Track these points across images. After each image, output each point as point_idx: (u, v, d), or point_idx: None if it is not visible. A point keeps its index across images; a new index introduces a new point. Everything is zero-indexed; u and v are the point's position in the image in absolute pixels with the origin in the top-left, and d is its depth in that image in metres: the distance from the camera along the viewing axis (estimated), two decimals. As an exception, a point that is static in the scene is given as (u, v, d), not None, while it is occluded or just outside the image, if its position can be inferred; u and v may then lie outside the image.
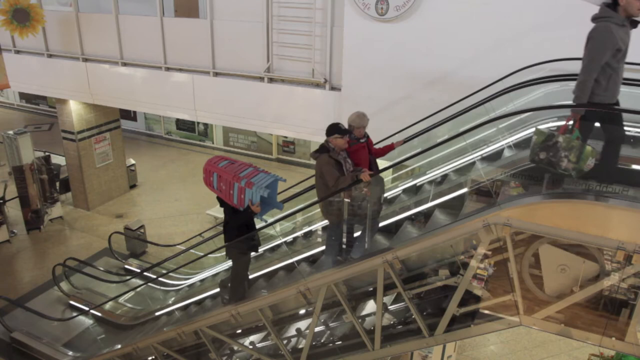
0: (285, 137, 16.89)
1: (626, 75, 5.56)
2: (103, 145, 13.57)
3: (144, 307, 9.34)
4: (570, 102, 5.29)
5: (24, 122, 21.33)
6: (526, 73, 5.97)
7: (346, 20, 7.50)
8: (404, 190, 6.74)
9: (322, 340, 5.94)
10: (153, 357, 7.29)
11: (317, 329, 5.69)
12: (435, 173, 6.43)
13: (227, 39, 9.23)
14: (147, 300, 9.41)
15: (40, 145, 16.09)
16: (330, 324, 6.11)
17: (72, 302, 9.67)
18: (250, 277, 6.45)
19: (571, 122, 4.07)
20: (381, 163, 5.70)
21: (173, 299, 8.86)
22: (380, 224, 5.68)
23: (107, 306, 9.30)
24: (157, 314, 8.39)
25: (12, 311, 9.34)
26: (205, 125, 18.83)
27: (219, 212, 12.52)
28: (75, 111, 12.56)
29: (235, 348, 6.68)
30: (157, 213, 13.55)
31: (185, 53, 9.75)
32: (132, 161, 15.08)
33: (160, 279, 9.23)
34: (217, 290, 7.51)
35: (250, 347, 6.32)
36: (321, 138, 8.67)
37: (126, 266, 10.84)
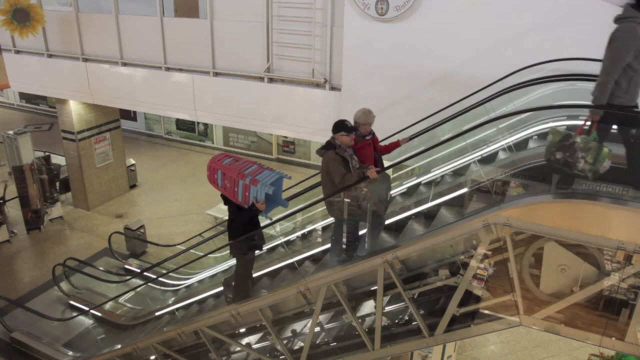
0: (285, 137, 16.89)
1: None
2: (103, 145, 13.57)
3: (144, 307, 9.34)
4: (570, 103, 5.31)
5: (24, 122, 21.33)
6: (526, 73, 5.97)
7: (346, 20, 7.50)
8: (407, 190, 6.72)
9: (322, 340, 5.93)
10: (153, 357, 7.29)
11: (317, 329, 5.69)
12: (434, 173, 6.43)
13: (227, 39, 9.23)
14: (147, 300, 9.41)
15: (40, 145, 16.09)
16: (331, 324, 6.11)
17: (72, 302, 9.67)
18: (254, 275, 6.39)
19: (589, 123, 4.03)
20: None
21: (173, 299, 8.86)
22: (386, 222, 5.63)
23: (107, 306, 9.30)
24: (157, 314, 8.38)
25: (12, 311, 9.34)
26: (205, 125, 18.83)
27: (219, 212, 12.52)
28: (75, 111, 12.56)
29: (236, 348, 6.67)
30: (157, 213, 13.55)
31: (185, 53, 9.75)
32: (132, 161, 15.08)
33: (160, 279, 9.22)
34: (215, 290, 7.54)
35: (250, 347, 6.31)
36: (321, 138, 8.75)
37: (126, 266, 10.84)
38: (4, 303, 9.36)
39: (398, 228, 5.65)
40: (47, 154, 13.32)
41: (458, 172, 6.10)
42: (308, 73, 8.51)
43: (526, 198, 4.10)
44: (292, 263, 6.33)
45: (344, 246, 5.38)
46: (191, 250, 8.78)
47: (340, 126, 5.00)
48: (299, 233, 7.40)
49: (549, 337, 8.70)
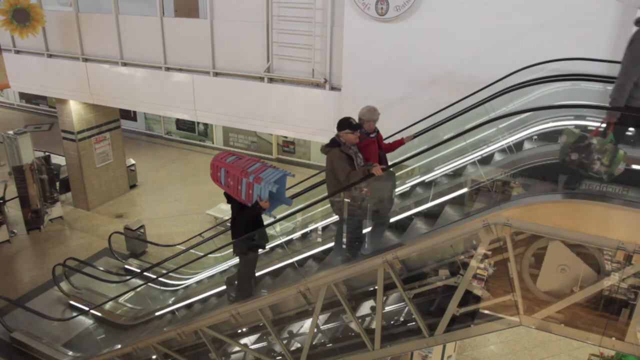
0: (285, 137, 16.90)
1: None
2: (103, 145, 13.57)
3: (144, 307, 9.34)
4: (570, 103, 5.31)
5: (24, 122, 21.33)
6: (526, 73, 5.97)
7: (346, 20, 7.50)
8: (409, 189, 6.70)
9: (322, 340, 5.93)
10: (153, 357, 7.29)
11: (317, 329, 5.69)
12: (435, 173, 6.42)
13: (227, 39, 9.23)
14: (148, 300, 9.41)
15: (40, 145, 16.09)
16: (331, 324, 6.11)
17: (72, 302, 9.67)
18: (257, 274, 6.33)
19: (604, 125, 4.02)
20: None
21: (173, 299, 8.86)
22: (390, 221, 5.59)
23: (107, 306, 9.30)
24: (157, 314, 8.38)
25: (12, 311, 9.34)
26: (205, 125, 18.83)
27: (218, 212, 12.53)
28: (75, 111, 12.56)
29: (236, 348, 6.67)
30: (157, 213, 13.55)
31: (185, 53, 9.75)
32: (132, 161, 15.08)
33: (160, 279, 9.22)
34: (214, 291, 7.53)
35: (250, 347, 6.31)
36: (321, 138, 8.76)
37: (126, 266, 10.84)
38: (4, 303, 9.36)
39: (401, 227, 5.64)
40: (47, 154, 13.32)
41: (458, 172, 6.10)
42: (308, 73, 8.51)
43: (526, 198, 4.10)
44: (297, 261, 6.30)
45: (348, 243, 5.32)
46: (191, 250, 8.78)
47: (345, 124, 4.97)
48: (302, 232, 7.36)
49: (549, 337, 8.70)
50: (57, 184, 13.32)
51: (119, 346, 7.53)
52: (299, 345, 6.12)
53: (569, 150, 3.92)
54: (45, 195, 12.60)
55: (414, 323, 5.09)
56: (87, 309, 9.31)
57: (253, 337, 6.50)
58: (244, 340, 6.43)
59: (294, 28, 8.40)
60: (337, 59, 8.07)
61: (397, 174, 7.31)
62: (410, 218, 5.67)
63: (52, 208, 12.84)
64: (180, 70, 9.87)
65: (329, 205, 5.78)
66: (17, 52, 12.06)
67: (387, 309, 5.64)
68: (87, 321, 9.29)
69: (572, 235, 3.80)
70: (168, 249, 10.39)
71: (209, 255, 7.98)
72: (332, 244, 6.08)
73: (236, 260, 8.07)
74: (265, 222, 5.62)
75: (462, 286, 4.37)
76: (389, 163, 5.39)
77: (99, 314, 9.26)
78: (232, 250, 5.76)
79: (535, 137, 5.60)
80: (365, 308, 5.86)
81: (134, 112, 20.13)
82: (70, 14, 10.94)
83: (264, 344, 6.50)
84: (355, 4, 7.24)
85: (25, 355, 8.50)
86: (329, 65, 8.23)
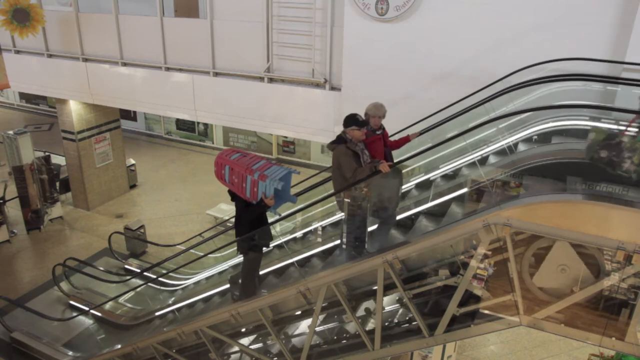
0: (285, 137, 16.90)
1: (626, 75, 5.60)
2: (103, 145, 13.57)
3: (144, 307, 9.34)
4: (570, 103, 5.30)
5: (24, 122, 21.34)
6: (526, 73, 5.97)
7: (346, 20, 7.50)
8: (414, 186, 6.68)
9: (322, 340, 5.93)
10: (153, 357, 7.29)
11: (317, 329, 5.68)
12: (440, 171, 6.39)
13: (227, 39, 9.23)
14: (148, 300, 9.42)
15: (40, 145, 16.09)
16: (330, 324, 6.11)
17: (72, 302, 9.67)
18: (260, 273, 6.26)
19: (635, 124, 3.99)
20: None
21: (173, 299, 8.86)
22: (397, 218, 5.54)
23: (107, 306, 9.30)
24: (157, 313, 8.38)
25: (12, 311, 9.34)
26: (205, 125, 18.83)
27: (218, 212, 12.53)
28: (75, 111, 12.56)
29: (236, 348, 6.67)
30: (157, 213, 13.55)
31: (185, 53, 9.75)
32: (132, 161, 15.09)
33: (160, 279, 9.22)
34: (210, 292, 7.52)
35: (250, 347, 6.31)
36: (321, 138, 8.76)
37: (126, 266, 10.84)
38: (4, 303, 9.36)
39: (402, 225, 5.62)
40: (47, 154, 13.32)
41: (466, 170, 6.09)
42: (308, 73, 8.51)
43: (526, 198, 4.10)
44: (300, 260, 6.27)
45: (354, 241, 5.27)
46: (191, 250, 8.79)
47: (351, 120, 4.93)
48: (307, 229, 7.33)
49: (549, 337, 8.70)
50: (57, 184, 13.32)
51: (119, 346, 7.53)
52: (299, 345, 6.11)
53: (598, 148, 3.87)
54: (45, 195, 12.61)
55: (408, 325, 5.11)
56: (87, 309, 9.31)
57: (253, 337, 6.49)
58: (244, 340, 6.43)
59: (294, 28, 8.40)
60: (337, 59, 8.07)
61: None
62: (414, 216, 5.67)
63: (52, 208, 12.84)
64: (180, 70, 9.87)
65: (332, 203, 5.75)
66: (17, 52, 12.06)
67: (388, 308, 5.63)
68: (87, 321, 9.29)
69: (572, 235, 3.80)
70: (168, 249, 10.40)
71: (209, 255, 7.98)
72: (336, 242, 6.06)
73: (235, 260, 8.09)
74: (270, 220, 5.56)
75: (462, 286, 4.37)
76: (394, 160, 5.35)
77: (99, 314, 9.26)
78: (232, 249, 5.73)
79: (536, 137, 5.60)
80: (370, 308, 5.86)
81: (134, 112, 20.13)
82: (70, 14, 10.94)
83: (264, 343, 6.49)
84: (355, 4, 7.24)
85: (25, 355, 8.50)
86: (329, 65, 8.23)
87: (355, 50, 7.62)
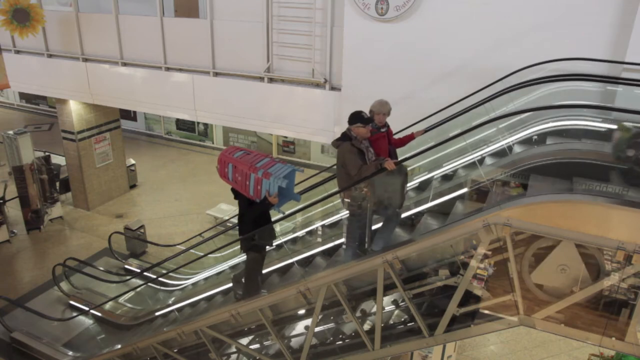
0: (285, 137, 16.89)
1: (626, 75, 5.60)
2: (103, 145, 13.57)
3: (144, 307, 9.34)
4: (570, 103, 5.30)
5: (24, 122, 21.34)
6: (526, 73, 5.97)
7: (346, 20, 7.50)
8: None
9: (322, 340, 5.93)
10: (153, 357, 7.29)
11: (317, 329, 5.68)
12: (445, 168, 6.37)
13: (227, 39, 9.23)
14: (147, 300, 9.42)
15: (40, 145, 16.09)
16: (330, 324, 6.11)
17: (72, 302, 9.67)
18: (263, 272, 6.22)
19: None
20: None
21: (173, 299, 8.86)
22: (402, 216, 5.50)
23: (107, 306, 9.30)
24: (157, 313, 8.39)
25: (12, 311, 9.34)
26: (205, 125, 18.83)
27: (218, 212, 12.53)
28: (75, 111, 12.56)
29: (235, 348, 6.67)
30: (157, 213, 13.55)
31: (185, 53, 9.75)
32: (132, 161, 15.09)
33: (160, 279, 9.23)
34: (211, 292, 7.52)
35: (250, 347, 6.31)
36: (321, 138, 8.76)
37: (126, 266, 10.84)
38: (4, 303, 9.36)
39: (404, 223, 5.59)
40: (47, 154, 13.32)
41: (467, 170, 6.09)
42: (308, 73, 8.51)
43: (526, 198, 4.10)
44: (303, 259, 6.25)
45: (359, 239, 5.25)
46: (191, 250, 8.79)
47: (356, 117, 4.90)
48: (310, 228, 7.31)
49: (549, 337, 8.70)
50: (57, 184, 13.31)
51: (119, 346, 7.53)
52: (299, 345, 6.11)
53: (625, 146, 3.83)
54: (45, 195, 12.60)
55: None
56: (87, 309, 9.31)
57: (253, 338, 6.49)
58: (244, 340, 6.43)
59: (294, 28, 8.40)
60: (337, 59, 8.07)
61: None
62: (414, 217, 5.66)
63: (52, 208, 12.84)
64: (180, 70, 9.87)
65: (336, 201, 5.72)
66: (17, 52, 12.06)
67: (387, 308, 5.63)
68: (87, 321, 9.29)
69: (572, 235, 3.80)
70: (168, 249, 10.40)
71: (209, 255, 7.98)
72: (340, 240, 6.03)
73: (235, 260, 8.09)
74: (273, 219, 5.53)
75: (462, 286, 4.37)
76: (398, 158, 5.31)
77: (99, 314, 9.26)
78: (231, 249, 5.72)
79: (536, 136, 5.60)
80: (365, 308, 5.86)
81: (134, 112, 20.13)
82: (70, 14, 10.94)
83: (264, 343, 6.49)
84: (355, 4, 7.24)
85: (25, 355, 8.50)
86: (329, 65, 8.23)
87: (355, 50, 7.61)
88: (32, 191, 12.21)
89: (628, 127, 3.86)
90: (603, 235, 3.68)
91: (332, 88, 8.34)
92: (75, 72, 11.24)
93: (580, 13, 5.99)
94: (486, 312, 4.42)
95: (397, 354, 5.20)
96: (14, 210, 12.81)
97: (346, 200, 5.13)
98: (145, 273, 9.64)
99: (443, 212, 5.34)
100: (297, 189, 7.48)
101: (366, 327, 5.41)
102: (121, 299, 9.46)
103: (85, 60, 11.04)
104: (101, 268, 10.37)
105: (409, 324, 5.17)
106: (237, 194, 5.27)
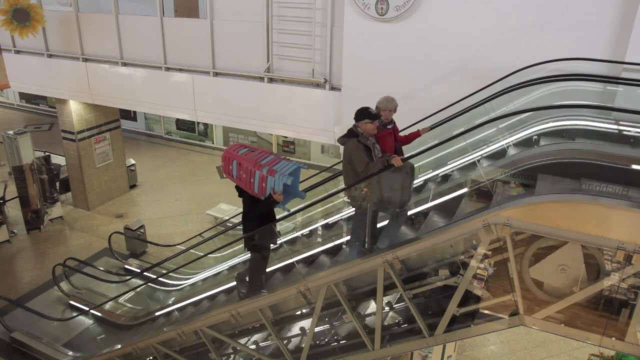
0: (285, 137, 16.90)
1: (626, 75, 5.60)
2: (103, 145, 13.57)
3: (144, 307, 9.35)
4: (570, 103, 5.30)
5: (24, 122, 21.34)
6: (526, 73, 5.97)
7: (346, 20, 7.50)
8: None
9: (322, 340, 5.93)
10: (153, 357, 7.29)
11: (317, 329, 5.68)
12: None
13: (227, 39, 9.23)
14: (147, 300, 9.42)
15: (40, 145, 16.09)
16: (330, 324, 6.11)
17: (72, 302, 9.67)
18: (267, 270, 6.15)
19: None
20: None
21: (173, 299, 8.86)
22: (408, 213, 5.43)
23: (107, 306, 9.30)
24: (157, 314, 8.39)
25: (12, 311, 9.34)
26: (205, 125, 18.83)
27: (218, 212, 12.52)
28: (75, 111, 12.56)
29: (235, 348, 6.67)
30: (157, 213, 13.55)
31: (185, 53, 9.75)
32: (132, 161, 15.09)
33: (160, 279, 9.23)
34: (209, 293, 7.51)
35: (250, 347, 6.31)
36: (321, 138, 8.76)
37: (126, 266, 10.84)
38: (4, 303, 9.36)
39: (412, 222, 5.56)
40: (47, 154, 13.33)
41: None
42: (308, 73, 8.51)
43: (526, 198, 4.10)
44: (307, 258, 6.22)
45: (364, 237, 5.19)
46: (191, 250, 8.79)
47: (364, 113, 4.84)
48: (313, 227, 7.28)
49: (549, 337, 8.70)
50: (57, 184, 13.32)
51: (119, 346, 7.53)
52: (299, 345, 6.11)
53: None
54: (45, 195, 12.60)
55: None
56: (87, 309, 9.31)
57: (253, 337, 6.49)
58: (244, 340, 6.43)
59: (294, 28, 8.40)
60: (337, 59, 8.07)
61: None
62: (414, 216, 5.65)
63: (52, 208, 12.84)
64: (180, 70, 9.88)
65: (339, 200, 5.68)
66: (17, 52, 12.06)
67: (387, 308, 5.63)
68: (87, 321, 9.29)
69: (572, 235, 3.80)
70: (168, 249, 10.40)
71: (209, 255, 7.98)
72: (346, 238, 6.00)
73: (234, 261, 8.09)
74: (277, 217, 5.48)
75: (462, 286, 4.37)
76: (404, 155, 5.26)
77: (99, 314, 9.26)
78: (230, 250, 5.69)
79: (536, 136, 5.60)
80: (365, 308, 5.87)
81: (134, 112, 20.13)
82: (70, 14, 10.95)
83: (264, 343, 6.49)
84: (355, 4, 7.24)
85: (25, 355, 8.50)
86: (329, 65, 8.23)
87: (355, 50, 7.62)
88: (32, 191, 12.21)
89: None
90: (603, 235, 3.68)
91: (332, 88, 8.34)
92: (75, 72, 11.24)
93: (580, 13, 5.99)
94: (486, 312, 4.42)
95: (397, 354, 5.20)
96: (14, 210, 12.82)
97: (352, 196, 5.07)
98: (145, 273, 9.63)
99: (448, 210, 5.31)
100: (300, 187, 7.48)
101: (366, 327, 5.40)
102: (121, 299, 9.46)
103: (85, 60, 11.04)
104: (101, 268, 10.37)
105: (407, 324, 5.17)
106: (241, 192, 5.21)
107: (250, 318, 5.93)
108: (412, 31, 7.03)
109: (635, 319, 3.81)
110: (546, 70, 5.83)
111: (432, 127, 5.81)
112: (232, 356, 6.87)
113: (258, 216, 5.21)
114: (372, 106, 5.42)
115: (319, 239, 7.02)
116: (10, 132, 12.79)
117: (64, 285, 10.05)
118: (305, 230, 7.32)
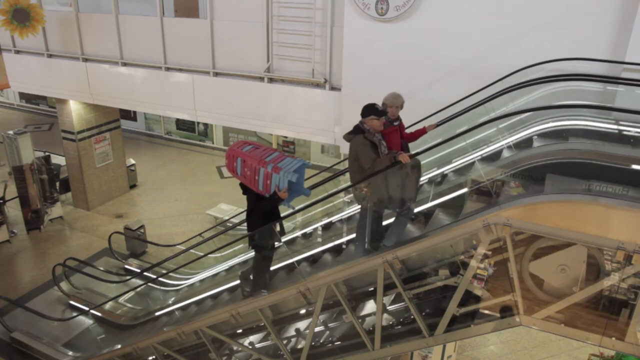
0: (285, 137, 16.89)
1: (626, 75, 5.60)
2: (103, 145, 13.57)
3: (145, 307, 9.34)
4: (570, 103, 5.30)
5: (24, 122, 21.33)
6: (526, 73, 5.97)
7: (346, 20, 7.50)
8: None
9: (322, 341, 5.93)
10: (153, 357, 7.29)
11: (317, 329, 5.68)
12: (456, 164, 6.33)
13: (227, 39, 9.23)
14: (148, 300, 9.42)
15: (40, 145, 16.09)
16: (330, 324, 6.11)
17: (72, 302, 9.67)
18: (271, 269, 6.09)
19: None
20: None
21: (173, 299, 8.86)
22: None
23: (107, 306, 9.30)
24: (157, 314, 8.39)
25: (12, 311, 9.34)
26: (205, 125, 18.83)
27: (219, 212, 12.52)
28: (75, 111, 12.56)
29: (235, 348, 6.67)
30: (157, 213, 13.55)
31: (185, 53, 9.75)
32: (132, 161, 15.09)
33: (160, 278, 9.22)
34: (208, 293, 7.51)
35: (250, 347, 6.31)
36: (321, 138, 8.75)
37: (126, 266, 10.84)
38: (4, 303, 9.36)
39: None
40: (47, 154, 13.32)
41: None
42: (308, 73, 8.51)
43: (526, 198, 4.10)
44: (311, 256, 6.20)
45: (370, 235, 5.14)
46: (191, 250, 8.78)
47: (370, 110, 4.80)
48: (317, 225, 7.25)
49: (549, 337, 8.70)
50: (57, 184, 13.32)
51: (119, 346, 7.53)
52: (299, 345, 6.11)
53: None
54: (45, 195, 12.60)
55: (414, 323, 5.08)
56: (87, 309, 9.31)
57: (253, 337, 6.49)
58: (243, 340, 6.43)
59: (294, 28, 8.40)
60: (337, 59, 8.07)
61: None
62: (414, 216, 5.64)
63: (52, 208, 12.84)
64: (180, 70, 9.88)
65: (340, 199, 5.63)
66: (17, 52, 12.06)
67: (387, 308, 5.63)
68: (87, 321, 9.29)
69: (572, 235, 3.80)
70: (168, 249, 10.39)
71: (209, 255, 7.98)
72: (344, 238, 5.99)
73: (234, 261, 8.08)
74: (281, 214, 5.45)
75: (462, 286, 4.37)
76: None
77: (99, 314, 9.26)
78: (230, 250, 5.67)
79: (536, 136, 5.60)
80: (365, 308, 5.87)
81: (134, 112, 20.13)
82: (70, 14, 10.94)
83: (264, 343, 6.49)
84: (355, 4, 7.24)
85: (25, 355, 8.50)
86: (329, 65, 8.23)
87: (355, 50, 7.61)
88: (32, 191, 12.20)
89: None
90: (603, 235, 3.68)
91: (332, 88, 8.34)
92: (75, 72, 11.24)
93: (580, 13, 5.99)
94: (486, 312, 4.42)
95: (397, 354, 5.20)
96: (14, 210, 12.82)
97: (358, 193, 5.03)
98: (145, 273, 9.63)
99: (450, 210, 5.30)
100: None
101: (366, 327, 5.40)
102: (121, 299, 9.46)
103: (85, 60, 11.04)
104: (101, 268, 10.37)
105: (407, 324, 5.17)
106: (245, 189, 5.18)
107: (251, 318, 5.93)
108: (412, 31, 7.03)
109: (635, 319, 3.81)
110: (546, 70, 5.83)
111: (437, 125, 5.77)
112: (232, 356, 6.87)
113: (262, 214, 5.17)
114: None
115: (322, 238, 7.00)
116: (10, 132, 12.79)
117: (64, 285, 10.05)
118: (309, 229, 7.30)
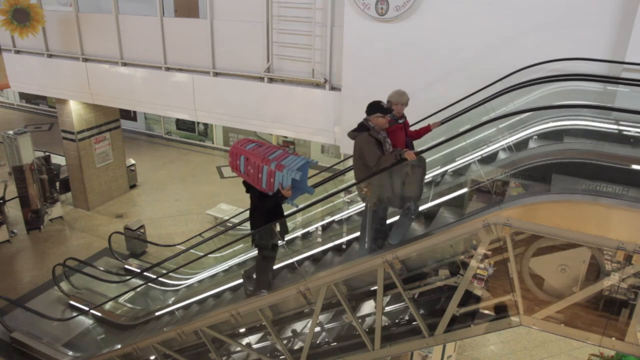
0: (285, 137, 16.89)
1: (626, 75, 5.60)
2: (103, 145, 13.57)
3: (144, 307, 9.34)
4: (570, 103, 5.30)
5: (24, 122, 21.33)
6: (526, 73, 5.97)
7: (346, 20, 7.50)
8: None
9: (322, 341, 5.93)
10: (153, 357, 7.29)
11: (317, 329, 5.68)
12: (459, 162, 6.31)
13: (227, 39, 9.23)
14: (148, 301, 9.42)
15: (40, 145, 16.09)
16: (331, 324, 6.11)
17: (72, 302, 9.67)
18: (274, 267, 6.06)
19: None
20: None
21: (173, 298, 8.86)
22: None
23: (107, 306, 9.30)
24: (157, 313, 8.39)
25: (12, 311, 9.34)
26: (205, 125, 18.83)
27: (218, 212, 12.52)
28: (75, 111, 12.56)
29: (235, 348, 6.67)
30: (157, 213, 13.55)
31: (185, 53, 9.75)
32: (132, 161, 15.09)
33: (159, 278, 9.22)
34: (208, 293, 7.51)
35: (250, 347, 6.31)
36: (321, 138, 8.75)
37: (126, 266, 10.84)
38: (4, 303, 9.36)
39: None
40: (47, 154, 13.32)
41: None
42: (308, 73, 8.51)
43: (526, 198, 4.09)
44: (314, 255, 6.19)
45: (375, 233, 5.13)
46: (191, 250, 8.79)
47: (375, 107, 4.76)
48: (320, 224, 7.24)
49: (549, 337, 8.70)
50: (57, 184, 13.32)
51: (119, 346, 7.53)
52: (299, 345, 6.11)
53: None
54: (45, 195, 12.60)
55: (414, 323, 5.09)
56: (87, 309, 9.31)
57: (253, 337, 6.49)
58: (244, 340, 6.43)
59: (294, 28, 8.40)
60: (337, 59, 8.07)
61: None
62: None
63: (52, 208, 12.84)
64: (180, 70, 9.88)
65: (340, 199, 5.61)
66: (17, 52, 12.06)
67: (388, 308, 5.63)
68: (87, 321, 9.29)
69: (572, 235, 3.80)
70: (168, 249, 10.40)
71: (209, 255, 7.98)
72: (347, 236, 5.97)
73: (234, 261, 8.08)
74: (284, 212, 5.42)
75: (462, 286, 4.37)
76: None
77: (99, 314, 9.26)
78: (231, 250, 5.66)
79: (535, 136, 5.60)
80: (365, 308, 5.86)
81: (134, 112, 20.12)
82: (70, 14, 10.95)
83: (264, 343, 6.49)
84: (355, 4, 7.24)
85: (25, 355, 8.50)
86: (329, 65, 8.23)
87: (355, 50, 7.61)
88: (32, 191, 12.21)
89: None
90: (603, 235, 3.68)
91: (332, 88, 8.34)
92: (75, 72, 11.24)
93: (580, 13, 5.99)
94: (486, 312, 4.42)
95: (397, 354, 5.20)
96: (14, 210, 12.82)
97: (363, 191, 5.01)
98: (145, 273, 9.63)
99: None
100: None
101: (366, 326, 5.40)
102: (121, 299, 9.46)
103: (85, 60, 11.04)
104: (101, 268, 10.37)
105: (407, 324, 5.17)
106: (248, 187, 5.15)
107: (251, 318, 5.93)
108: (412, 31, 7.03)
109: (635, 319, 3.81)
110: (546, 70, 5.83)
111: (442, 122, 5.74)
112: (232, 356, 6.87)
113: (266, 212, 5.14)
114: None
115: (325, 237, 6.99)
116: (10, 132, 12.79)
117: (64, 285, 10.05)
118: (312, 228, 7.30)
